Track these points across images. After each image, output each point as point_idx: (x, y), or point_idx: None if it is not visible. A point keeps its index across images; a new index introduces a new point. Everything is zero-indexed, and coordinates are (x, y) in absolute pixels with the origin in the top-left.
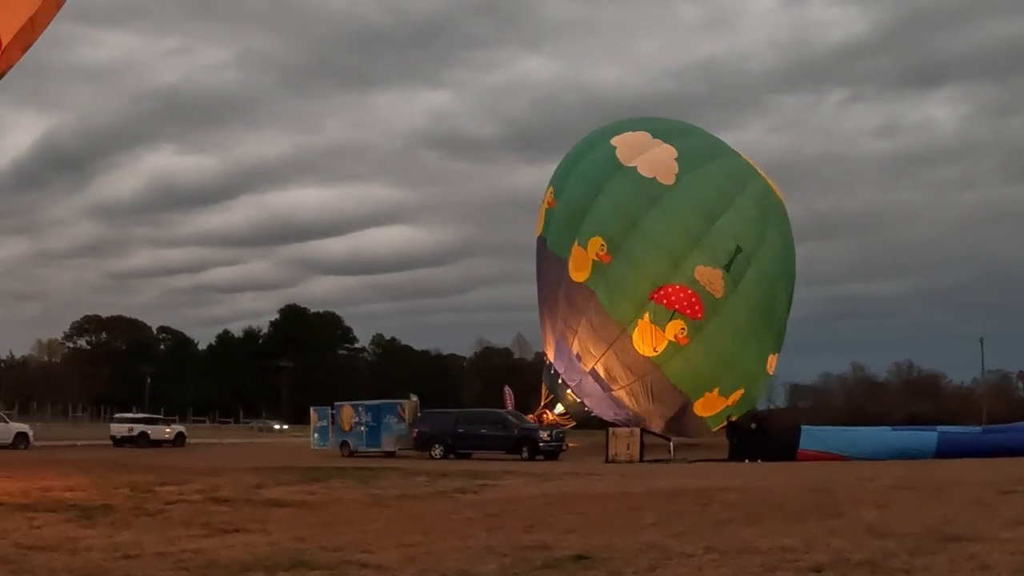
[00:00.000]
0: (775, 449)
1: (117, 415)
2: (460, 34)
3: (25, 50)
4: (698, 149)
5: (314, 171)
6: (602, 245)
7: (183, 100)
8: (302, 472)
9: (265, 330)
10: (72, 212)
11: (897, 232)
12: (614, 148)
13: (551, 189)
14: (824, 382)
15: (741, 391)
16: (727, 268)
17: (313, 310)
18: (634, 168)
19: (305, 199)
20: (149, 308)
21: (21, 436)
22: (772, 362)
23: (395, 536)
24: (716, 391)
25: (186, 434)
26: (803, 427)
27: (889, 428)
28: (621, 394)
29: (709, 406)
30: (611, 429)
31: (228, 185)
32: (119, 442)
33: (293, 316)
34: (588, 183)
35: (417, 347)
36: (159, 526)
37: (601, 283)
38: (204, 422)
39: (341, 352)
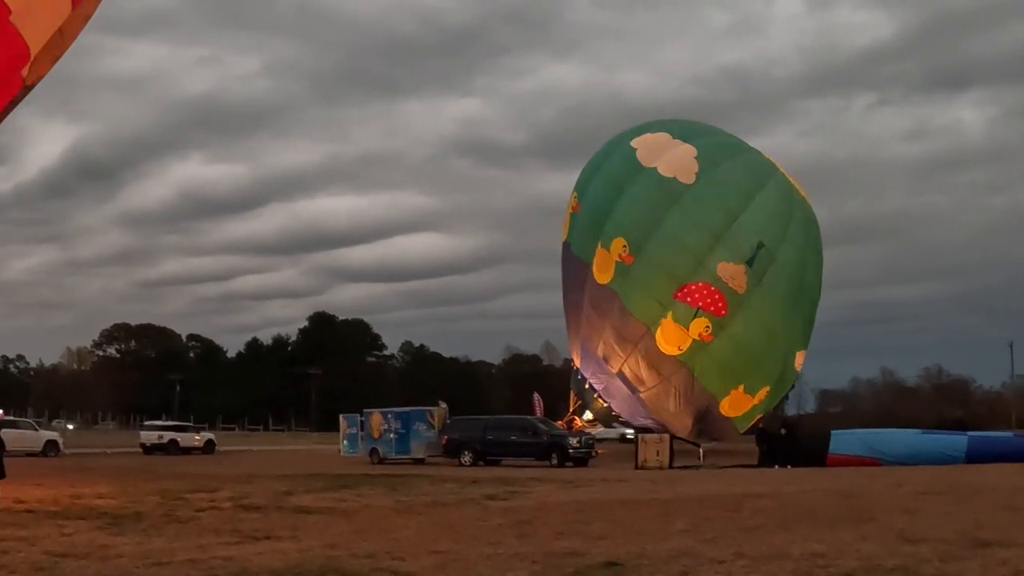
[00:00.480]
0: (805, 455)
1: (147, 423)
2: (489, 42)
3: (54, 61)
4: (717, 147)
5: (344, 179)
6: (624, 246)
7: (212, 109)
8: (332, 479)
9: (294, 337)
10: (101, 221)
11: (926, 236)
12: (634, 150)
13: (575, 194)
14: (853, 387)
15: (767, 388)
16: (750, 263)
17: (342, 317)
18: (654, 169)
19: (334, 207)
20: (178, 316)
21: (51, 444)
22: (799, 359)
23: (425, 543)
24: (741, 389)
25: (215, 441)
26: (833, 431)
27: (920, 431)
28: (648, 396)
29: (735, 405)
30: (640, 435)
31: (257, 193)
32: (149, 450)
33: (322, 323)
34: (610, 186)
35: (446, 354)
36: (190, 533)
37: (624, 284)
38: (233, 429)
39: (370, 359)
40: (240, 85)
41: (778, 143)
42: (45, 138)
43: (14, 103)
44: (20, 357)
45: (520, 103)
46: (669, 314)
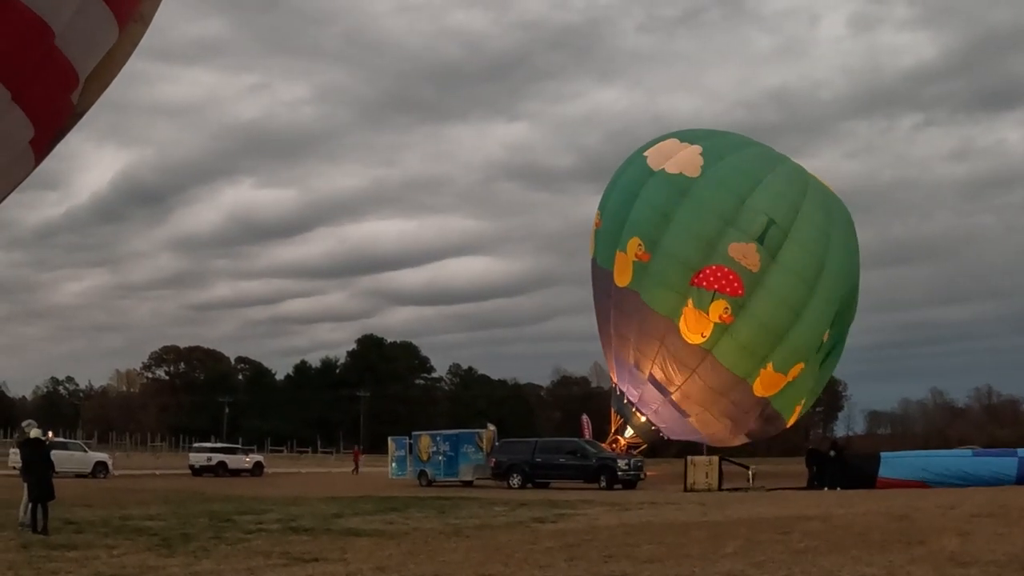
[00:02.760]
0: (854, 476)
1: (196, 445)
2: (534, 67)
3: (104, 88)
4: (723, 144)
5: (392, 203)
6: (639, 244)
7: (262, 135)
8: (380, 502)
9: (343, 360)
10: (152, 245)
11: (973, 256)
12: (645, 159)
13: (598, 212)
14: (903, 408)
15: (801, 365)
16: (760, 241)
17: (390, 340)
18: (662, 170)
19: (383, 231)
20: (227, 339)
21: (100, 465)
22: (827, 338)
23: (474, 566)
24: (771, 367)
25: (264, 464)
26: (882, 454)
27: (970, 452)
28: (679, 396)
29: (768, 384)
30: (689, 458)
31: (306, 217)
32: (198, 471)
33: (370, 346)
34: (625, 195)
35: (495, 377)
36: (238, 555)
37: (643, 281)
38: (282, 452)
39: (418, 382)
40: (289, 111)
41: (824, 164)
42: (96, 164)
43: (65, 130)
44: (70, 379)
45: (566, 127)
46: (689, 302)
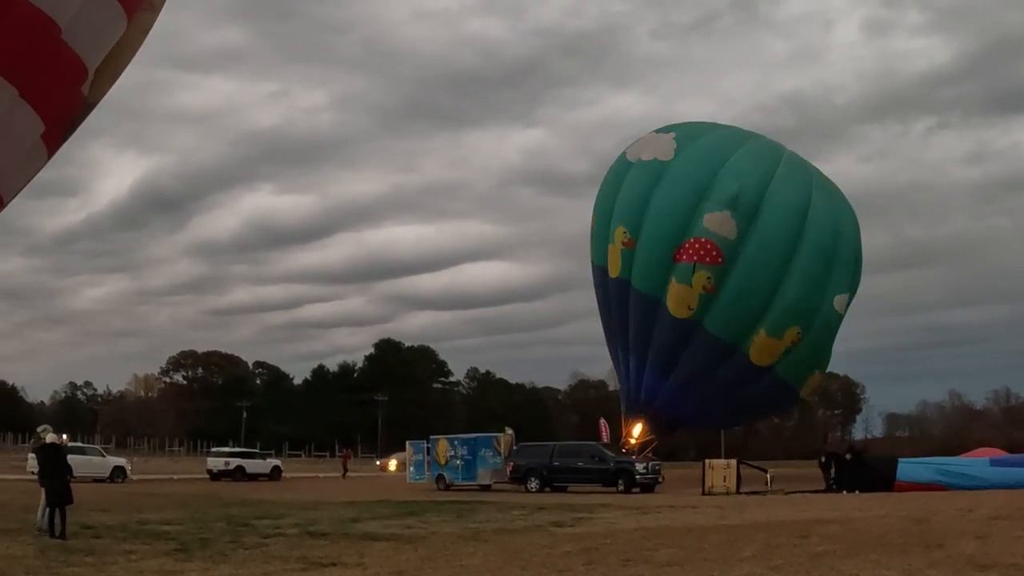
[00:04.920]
0: (873, 480)
1: (214, 449)
2: (550, 74)
3: (115, 78)
4: (696, 129)
5: (410, 209)
6: (624, 232)
7: (281, 142)
8: (398, 506)
9: (360, 364)
10: (172, 251)
11: (990, 258)
12: (625, 154)
13: (592, 215)
14: (921, 411)
15: (797, 329)
16: (733, 207)
17: (408, 344)
18: (639, 159)
19: (401, 236)
20: (246, 343)
21: (118, 470)
22: (839, 302)
23: (492, 570)
24: (763, 333)
25: (282, 468)
26: (900, 460)
27: (988, 460)
28: (678, 375)
29: (764, 351)
30: (708, 461)
31: (325, 223)
32: (215, 476)
33: (388, 350)
34: (609, 190)
35: (512, 380)
36: (256, 560)
37: (632, 268)
38: (299, 456)
39: (436, 386)
40: (308, 118)
41: (839, 169)
42: (116, 170)
43: (77, 122)
44: (88, 384)
45: (582, 133)
46: (672, 278)
